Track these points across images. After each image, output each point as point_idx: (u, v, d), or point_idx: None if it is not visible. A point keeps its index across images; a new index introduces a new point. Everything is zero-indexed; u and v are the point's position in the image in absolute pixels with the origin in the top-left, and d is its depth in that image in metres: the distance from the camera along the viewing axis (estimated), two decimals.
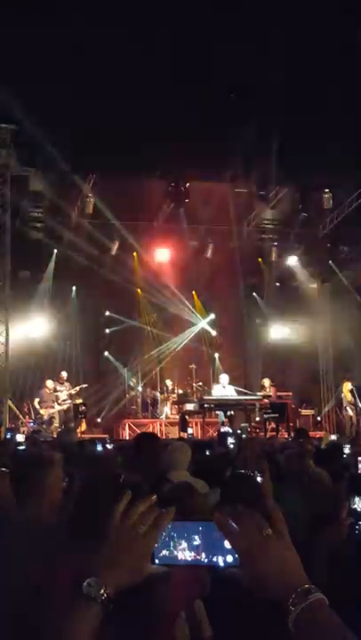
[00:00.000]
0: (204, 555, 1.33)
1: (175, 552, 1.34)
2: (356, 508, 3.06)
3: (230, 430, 13.75)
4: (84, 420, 15.80)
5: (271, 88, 11.40)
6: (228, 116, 12.54)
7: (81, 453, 6.30)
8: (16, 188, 15.46)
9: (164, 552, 1.34)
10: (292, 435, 13.43)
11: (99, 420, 17.98)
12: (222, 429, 14.27)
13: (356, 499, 3.08)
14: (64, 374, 17.48)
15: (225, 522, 1.29)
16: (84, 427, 16.67)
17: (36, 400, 16.71)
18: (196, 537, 1.33)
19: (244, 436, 13.10)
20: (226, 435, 10.16)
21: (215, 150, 13.08)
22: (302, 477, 4.86)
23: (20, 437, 8.50)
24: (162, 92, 11.96)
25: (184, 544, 1.34)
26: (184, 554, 1.34)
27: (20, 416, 16.18)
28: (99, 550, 1.37)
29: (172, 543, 1.34)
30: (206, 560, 1.32)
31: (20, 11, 10.40)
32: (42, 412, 16.49)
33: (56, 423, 16.59)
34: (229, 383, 16.32)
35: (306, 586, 1.23)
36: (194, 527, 1.34)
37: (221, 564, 1.31)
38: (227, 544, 1.30)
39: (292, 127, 12.37)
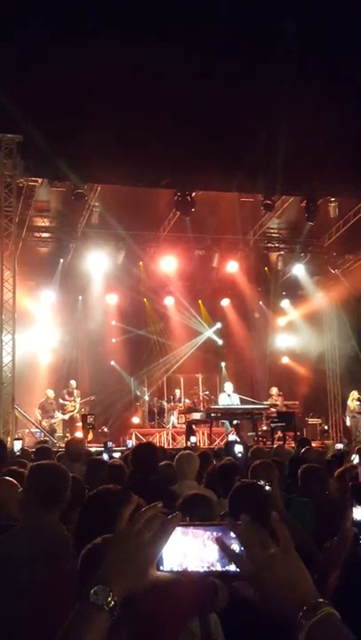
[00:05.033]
0: (216, 560, 1.30)
1: (186, 558, 1.31)
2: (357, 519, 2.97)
3: (237, 439, 13.70)
4: (91, 430, 15.75)
5: (276, 95, 11.42)
6: (235, 125, 12.56)
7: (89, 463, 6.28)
8: (22, 198, 15.50)
9: (175, 558, 1.31)
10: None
11: (105, 429, 17.94)
12: (229, 438, 14.23)
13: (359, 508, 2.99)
14: (73, 383, 17.46)
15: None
16: (90, 436, 16.63)
17: (37, 410, 16.63)
18: (208, 542, 1.30)
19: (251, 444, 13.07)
20: (233, 443, 10.11)
21: (222, 160, 13.08)
22: (316, 488, 4.84)
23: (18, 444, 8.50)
24: (168, 101, 12.00)
25: (195, 550, 1.31)
26: (195, 560, 1.31)
27: (27, 425, 16.16)
28: (105, 557, 1.35)
29: (182, 549, 1.31)
30: (220, 565, 1.30)
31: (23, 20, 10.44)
32: (44, 422, 16.41)
33: (59, 432, 16.54)
34: (234, 391, 16.30)
35: (317, 600, 1.22)
36: (205, 532, 1.32)
37: (235, 569, 1.28)
38: (237, 548, 1.27)
39: (297, 135, 12.37)
